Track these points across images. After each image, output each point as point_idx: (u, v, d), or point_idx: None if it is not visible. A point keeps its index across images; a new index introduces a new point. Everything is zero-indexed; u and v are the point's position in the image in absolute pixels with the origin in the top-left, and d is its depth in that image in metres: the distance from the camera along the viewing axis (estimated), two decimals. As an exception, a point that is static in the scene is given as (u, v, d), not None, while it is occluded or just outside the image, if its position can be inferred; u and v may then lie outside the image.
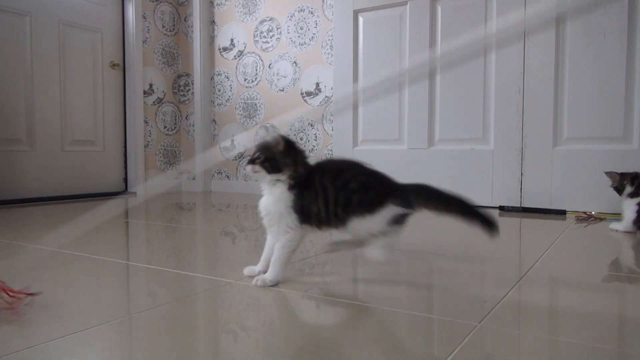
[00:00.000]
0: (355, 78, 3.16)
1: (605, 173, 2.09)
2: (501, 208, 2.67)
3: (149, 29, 3.75)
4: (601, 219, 2.30)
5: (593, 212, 2.41)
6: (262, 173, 1.15)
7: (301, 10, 3.44)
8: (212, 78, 3.91)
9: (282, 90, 3.55)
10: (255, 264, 1.24)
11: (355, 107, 3.18)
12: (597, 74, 2.48)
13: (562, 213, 2.51)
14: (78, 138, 3.38)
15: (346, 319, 0.94)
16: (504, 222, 2.24)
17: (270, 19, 3.59)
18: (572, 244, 1.70)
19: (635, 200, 1.92)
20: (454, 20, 2.83)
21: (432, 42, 2.91)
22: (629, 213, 1.93)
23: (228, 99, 3.83)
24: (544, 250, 1.57)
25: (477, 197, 2.80)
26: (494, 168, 2.75)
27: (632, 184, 1.96)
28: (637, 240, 1.79)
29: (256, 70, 3.67)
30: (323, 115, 3.37)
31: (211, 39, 3.90)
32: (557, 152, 2.59)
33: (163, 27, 3.88)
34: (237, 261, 1.44)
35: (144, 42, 3.72)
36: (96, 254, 1.51)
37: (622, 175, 2.01)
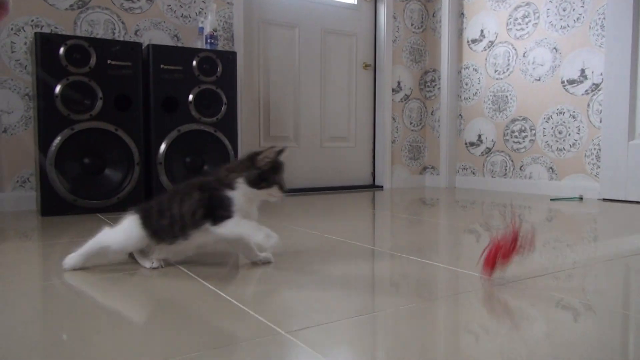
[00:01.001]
0: (635, 60, 2.67)
1: None
2: None
3: (398, 29, 3.87)
4: None
5: None
6: None
7: (564, -12, 3.07)
8: (459, 72, 3.81)
9: (538, 79, 3.23)
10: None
11: (633, 95, 2.69)
12: None
13: None
14: (334, 135, 3.71)
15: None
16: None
17: (527, 4, 3.30)
18: None
19: None
20: None
21: None
22: None
23: (476, 93, 3.68)
24: None
25: None
26: None
27: None
28: None
29: (508, 60, 3.43)
30: (589, 105, 2.95)
31: (459, 32, 3.80)
32: None
33: (412, 25, 3.95)
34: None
35: (394, 41, 3.85)
36: (355, 241, 1.61)
37: None
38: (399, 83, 3.90)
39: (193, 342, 0.75)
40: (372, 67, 3.87)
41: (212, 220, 1.15)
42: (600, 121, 2.86)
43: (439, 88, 3.92)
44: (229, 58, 2.68)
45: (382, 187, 3.82)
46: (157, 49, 2.50)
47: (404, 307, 0.93)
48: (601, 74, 2.86)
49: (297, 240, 1.63)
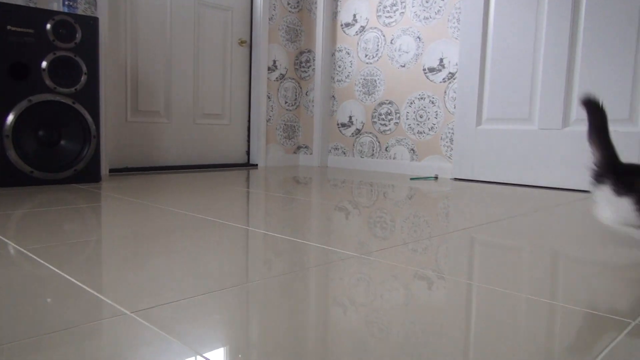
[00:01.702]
0: (483, 52, 2.97)
1: None
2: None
3: (274, 6, 3.86)
4: None
5: None
6: None
7: (427, -19, 3.30)
8: (333, 54, 3.93)
9: (404, 66, 3.46)
10: (367, 239, 1.22)
11: (481, 84, 3.00)
12: None
13: None
14: (208, 112, 3.62)
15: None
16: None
17: (394, -7, 3.49)
18: None
19: None
20: (603, -14, 2.51)
21: (575, 10, 2.62)
22: None
23: (348, 75, 3.83)
24: None
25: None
26: (642, 153, 2.43)
27: None
28: None
29: (377, 46, 3.61)
30: (445, 92, 3.23)
31: (334, 14, 3.90)
32: None
33: (288, 4, 3.96)
34: (350, 235, 1.44)
35: (270, 19, 3.83)
36: (224, 219, 1.60)
37: None
38: (274, 62, 3.91)
39: (19, 329, 0.70)
40: (248, 44, 3.83)
41: None
42: (455, 107, 3.15)
43: (314, 69, 4.00)
44: (90, 24, 2.46)
45: (256, 165, 3.83)
46: (3, 8, 2.21)
47: (269, 281, 0.95)
48: (456, 64, 3.15)
49: (161, 220, 1.58)
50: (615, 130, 2.50)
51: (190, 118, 3.51)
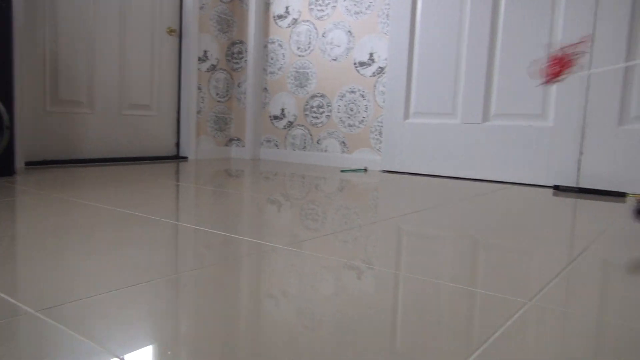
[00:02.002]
0: (411, 48, 3.08)
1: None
2: (556, 187, 2.55)
3: (205, -5, 3.77)
4: (667, 205, 2.16)
5: (658, 197, 2.27)
6: None
7: (357, -23, 3.36)
8: (265, 46, 3.91)
9: (335, 59, 3.51)
10: (299, 230, 1.24)
11: (408, 79, 3.10)
12: (675, 48, 2.29)
13: (621, 195, 2.37)
14: (135, 102, 3.49)
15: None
16: (558, 202, 2.14)
17: (326, -14, 3.53)
18: (629, 226, 1.60)
19: None
20: (519, -11, 2.68)
21: (495, 9, 2.77)
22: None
23: (280, 68, 3.82)
24: (600, 232, 1.49)
25: (530, 175, 2.69)
26: (551, 146, 2.63)
27: None
28: None
29: (310, 39, 3.63)
30: (375, 87, 3.31)
31: (266, 6, 3.88)
32: (622, 131, 2.43)
33: (219, -7, 3.89)
34: (281, 227, 1.45)
35: (201, 8, 3.75)
36: (149, 214, 1.56)
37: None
38: (205, 52, 3.83)
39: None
40: (178, 33, 3.72)
41: None
42: (384, 101, 3.24)
43: (246, 60, 3.96)
44: (2, 5, 2.30)
45: (186, 158, 3.74)
46: None
47: (197, 273, 0.95)
48: (386, 59, 3.23)
49: (81, 215, 1.51)
50: (530, 125, 2.68)
51: (116, 109, 3.37)
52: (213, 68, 3.91)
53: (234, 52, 4.05)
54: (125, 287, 0.87)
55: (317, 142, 3.64)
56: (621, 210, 1.97)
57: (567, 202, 2.17)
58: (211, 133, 3.96)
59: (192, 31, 3.68)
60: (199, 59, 3.78)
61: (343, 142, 3.50)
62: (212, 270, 0.98)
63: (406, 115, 3.13)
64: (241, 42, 4.00)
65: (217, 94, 3.98)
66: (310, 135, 3.68)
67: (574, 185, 2.57)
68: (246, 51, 3.95)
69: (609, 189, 2.46)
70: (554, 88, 2.62)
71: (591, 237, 1.42)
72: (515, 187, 2.61)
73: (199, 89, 3.81)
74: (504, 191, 2.44)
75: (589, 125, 2.52)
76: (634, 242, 1.40)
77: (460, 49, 2.90)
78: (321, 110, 3.60)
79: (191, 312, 0.76)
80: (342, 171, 3.18)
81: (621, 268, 1.13)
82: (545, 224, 1.63)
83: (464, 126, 2.87)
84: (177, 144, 3.81)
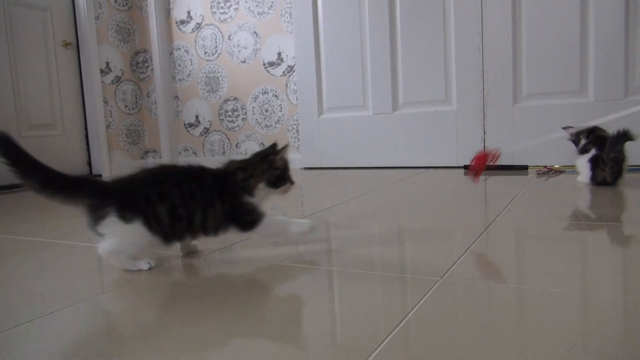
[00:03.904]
0: (317, 45, 3.13)
1: (563, 128, 2.12)
2: (466, 167, 2.72)
3: (100, 4, 3.61)
4: (561, 172, 2.38)
5: (557, 166, 2.49)
6: None
7: (257, -22, 3.36)
8: (171, 53, 3.81)
9: (244, 61, 3.49)
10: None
11: (318, 75, 3.16)
12: (553, 28, 2.52)
13: (524, 168, 2.58)
14: (35, 122, 3.27)
15: (313, 283, 0.96)
16: (469, 181, 2.29)
17: (227, -11, 3.50)
18: (532, 197, 1.75)
19: (587, 156, 1.95)
20: (412, -18, 2.81)
21: (392, 2, 2.89)
22: (584, 170, 1.96)
23: (189, 74, 3.74)
24: (506, 204, 1.62)
25: (442, 158, 2.84)
26: (457, 128, 2.79)
27: (587, 138, 2.00)
28: (593, 190, 1.86)
29: (216, 42, 3.59)
30: (287, 85, 3.34)
31: (167, 11, 3.78)
32: (518, 109, 2.64)
33: (116, 1, 3.73)
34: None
35: (97, 18, 3.58)
36: (65, 239, 1.48)
37: (579, 131, 2.03)
38: (107, 64, 3.67)
39: None
40: (75, 45, 3.53)
41: (239, 226, 1.13)
42: (297, 99, 3.28)
43: (152, 69, 3.84)
44: None
45: (100, 175, 3.57)
46: None
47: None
48: (294, 57, 3.27)
49: (-6, 249, 1.41)
50: (436, 110, 2.84)
51: (13, 131, 3.15)
52: (118, 80, 3.76)
53: (138, 61, 3.91)
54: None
55: (236, 146, 3.61)
56: (524, 182, 2.14)
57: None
58: (124, 147, 3.81)
59: (90, 43, 3.51)
60: (102, 71, 3.62)
61: (262, 144, 3.50)
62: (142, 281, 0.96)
63: (320, 111, 3.18)
64: (145, 51, 3.87)
65: (126, 106, 3.83)
66: (228, 139, 3.64)
67: (481, 162, 2.75)
68: (151, 60, 3.83)
69: (513, 163, 2.66)
70: (453, 73, 2.78)
71: (499, 208, 1.54)
72: (430, 170, 2.76)
73: (105, 102, 3.65)
74: (419, 176, 2.57)
75: (487, 105, 2.71)
76: (538, 208, 1.53)
77: (364, 43, 2.99)
78: (236, 113, 3.58)
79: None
80: (263, 172, 3.18)
81: (529, 234, 1.24)
82: (457, 203, 1.74)
83: (376, 117, 2.97)
84: (89, 162, 3.62)
